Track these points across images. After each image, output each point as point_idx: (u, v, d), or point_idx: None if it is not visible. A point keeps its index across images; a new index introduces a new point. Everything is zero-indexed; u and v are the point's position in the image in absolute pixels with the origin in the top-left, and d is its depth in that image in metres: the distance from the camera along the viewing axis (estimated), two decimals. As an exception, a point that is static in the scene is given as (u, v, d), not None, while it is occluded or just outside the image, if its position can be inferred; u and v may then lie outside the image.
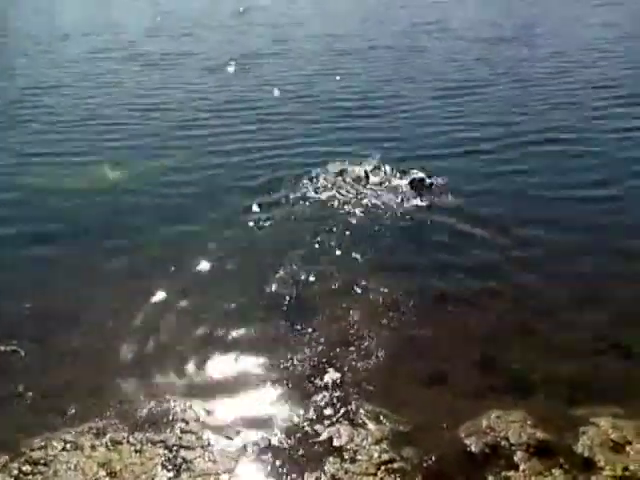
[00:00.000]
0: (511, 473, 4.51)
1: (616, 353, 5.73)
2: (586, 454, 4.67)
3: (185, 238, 7.81)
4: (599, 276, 6.84)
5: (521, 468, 4.54)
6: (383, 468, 4.56)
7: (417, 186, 8.56)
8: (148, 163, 10.09)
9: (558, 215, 7.99)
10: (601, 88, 12.77)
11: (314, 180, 9.03)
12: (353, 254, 7.28)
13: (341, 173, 9.14)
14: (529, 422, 4.91)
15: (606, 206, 8.20)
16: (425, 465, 4.59)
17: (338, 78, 13.95)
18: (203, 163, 10.02)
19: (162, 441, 4.84)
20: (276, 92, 12.53)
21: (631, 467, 4.54)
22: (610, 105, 11.82)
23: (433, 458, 4.64)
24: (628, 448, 4.70)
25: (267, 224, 8.01)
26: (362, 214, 8.19)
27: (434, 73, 14.30)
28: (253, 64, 15.24)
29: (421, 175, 8.68)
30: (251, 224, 8.01)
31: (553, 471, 4.52)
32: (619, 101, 12.02)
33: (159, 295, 6.63)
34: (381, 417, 5.02)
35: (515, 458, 4.62)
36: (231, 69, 14.17)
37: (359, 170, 9.11)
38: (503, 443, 4.76)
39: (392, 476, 4.51)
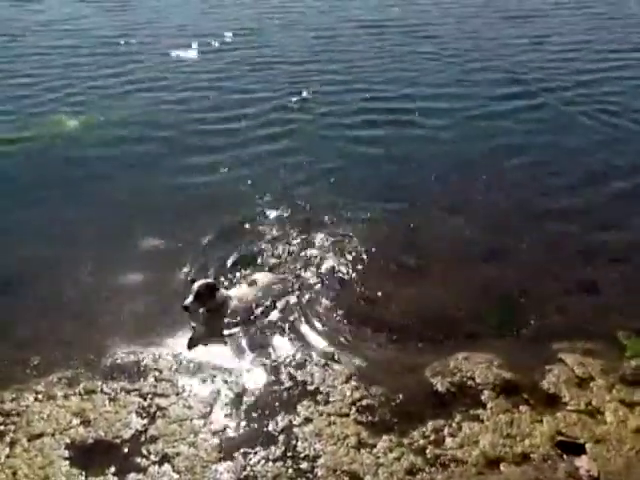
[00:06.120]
0: (479, 411, 4.61)
1: (582, 290, 5.89)
2: (552, 390, 4.80)
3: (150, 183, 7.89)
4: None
5: (488, 406, 4.65)
6: (354, 408, 4.64)
7: None
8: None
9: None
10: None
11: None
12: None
13: None
14: (496, 363, 5.02)
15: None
16: (394, 403, 4.68)
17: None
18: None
19: (136, 389, 4.85)
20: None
21: (594, 402, 4.69)
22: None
23: (400, 396, 4.72)
24: (592, 384, 4.85)
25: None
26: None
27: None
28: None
29: None
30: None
31: (520, 407, 4.64)
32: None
33: (129, 247, 6.60)
34: (346, 359, 5.12)
35: (482, 397, 4.73)
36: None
37: None
38: (469, 383, 4.86)
39: (364, 415, 4.59)
